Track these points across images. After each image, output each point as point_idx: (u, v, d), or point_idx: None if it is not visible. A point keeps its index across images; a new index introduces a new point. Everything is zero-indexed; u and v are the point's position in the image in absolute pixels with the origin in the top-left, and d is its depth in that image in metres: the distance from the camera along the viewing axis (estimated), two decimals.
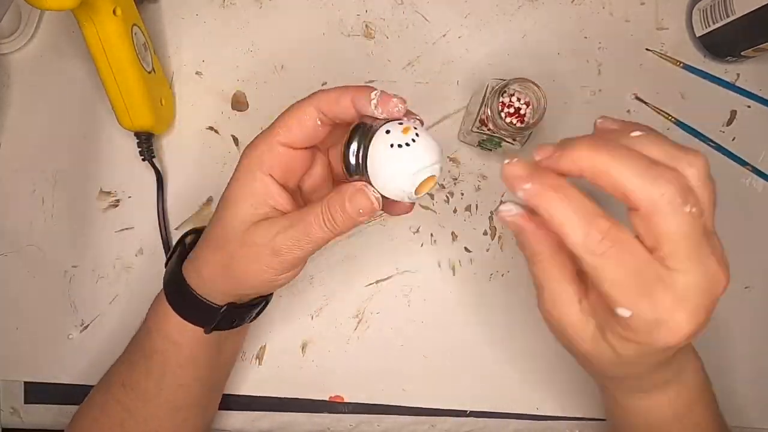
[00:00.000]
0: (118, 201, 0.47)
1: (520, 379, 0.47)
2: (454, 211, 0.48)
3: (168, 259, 0.38)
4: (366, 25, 0.48)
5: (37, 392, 0.46)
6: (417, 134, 0.29)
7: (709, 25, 0.46)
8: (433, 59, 0.48)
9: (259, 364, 0.46)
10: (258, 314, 0.39)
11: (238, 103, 0.48)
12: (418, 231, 0.47)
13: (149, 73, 0.42)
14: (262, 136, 0.33)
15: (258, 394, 0.46)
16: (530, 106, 0.41)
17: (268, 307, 0.46)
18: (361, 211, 0.30)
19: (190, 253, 0.36)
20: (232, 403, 0.46)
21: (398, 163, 0.29)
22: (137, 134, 0.44)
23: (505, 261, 0.47)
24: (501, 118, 0.40)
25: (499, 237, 0.48)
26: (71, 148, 0.47)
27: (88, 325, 0.47)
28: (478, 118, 0.42)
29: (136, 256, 0.47)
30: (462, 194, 0.48)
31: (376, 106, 0.30)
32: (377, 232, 0.47)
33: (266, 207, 0.32)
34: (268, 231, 0.31)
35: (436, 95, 0.48)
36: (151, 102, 0.42)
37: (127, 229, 0.47)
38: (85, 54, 0.48)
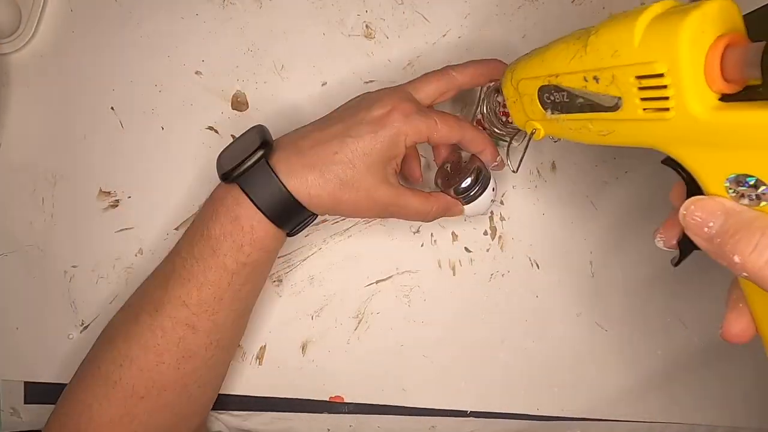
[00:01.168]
0: (117, 201, 0.47)
1: (520, 379, 0.47)
2: None
3: (247, 168, 0.37)
4: (366, 25, 0.48)
5: (37, 392, 0.46)
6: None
7: None
8: (433, 59, 0.48)
9: (259, 364, 0.46)
10: None
11: (238, 103, 0.48)
12: (418, 231, 0.47)
13: None
14: (419, 114, 0.38)
15: (258, 394, 0.46)
16: None
17: (268, 307, 0.46)
18: (446, 216, 0.42)
19: (284, 169, 0.37)
20: (232, 403, 0.46)
21: (488, 201, 0.42)
22: None
23: (505, 261, 0.47)
24: (497, 116, 0.40)
25: (500, 237, 0.48)
26: (71, 148, 0.47)
27: (88, 325, 0.47)
28: (474, 119, 0.42)
29: (135, 256, 0.47)
30: None
31: (495, 166, 0.42)
32: (377, 232, 0.47)
33: (396, 164, 0.39)
34: (396, 197, 0.39)
35: None
36: None
37: (126, 229, 0.47)
38: (85, 54, 0.48)
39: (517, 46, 0.48)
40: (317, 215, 0.40)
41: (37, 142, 0.47)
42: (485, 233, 0.48)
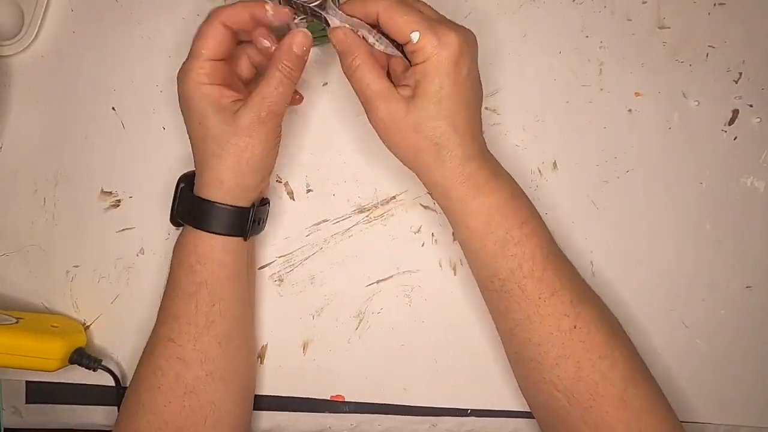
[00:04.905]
0: (119, 201, 0.47)
1: None
2: None
3: (176, 205, 0.41)
4: None
5: (38, 392, 0.47)
6: None
7: None
8: None
9: (261, 363, 0.46)
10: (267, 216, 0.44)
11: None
12: (419, 231, 0.48)
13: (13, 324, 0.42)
14: (189, 62, 0.38)
15: (259, 393, 0.46)
16: None
17: (270, 306, 0.46)
18: (305, 48, 0.37)
19: (194, 185, 0.39)
20: None
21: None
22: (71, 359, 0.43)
23: None
24: None
25: None
26: (72, 149, 0.47)
27: (90, 325, 0.47)
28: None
29: (137, 255, 0.47)
30: None
31: (273, 16, 0.37)
32: (378, 232, 0.47)
33: (230, 100, 0.37)
34: (249, 110, 0.37)
35: None
36: (39, 343, 0.42)
37: (128, 229, 0.47)
38: (86, 55, 0.48)
39: (518, 45, 0.48)
40: (253, 206, 0.39)
41: (38, 142, 0.47)
42: None
